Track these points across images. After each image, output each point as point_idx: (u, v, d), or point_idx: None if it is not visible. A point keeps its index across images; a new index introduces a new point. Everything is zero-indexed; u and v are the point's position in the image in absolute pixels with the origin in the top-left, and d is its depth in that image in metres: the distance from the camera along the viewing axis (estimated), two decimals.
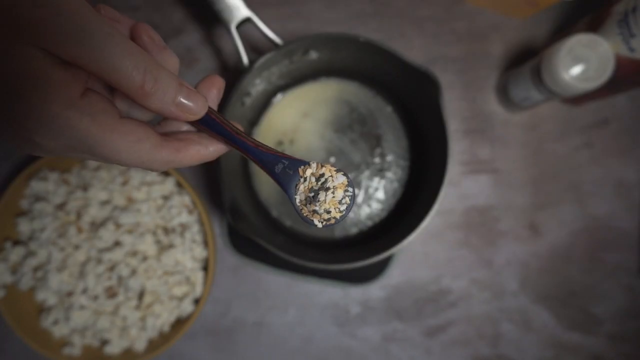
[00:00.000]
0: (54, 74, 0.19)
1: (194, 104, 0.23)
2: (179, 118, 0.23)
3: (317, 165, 0.24)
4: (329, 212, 0.24)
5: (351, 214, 0.51)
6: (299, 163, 0.24)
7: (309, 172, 0.24)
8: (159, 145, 0.23)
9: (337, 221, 0.24)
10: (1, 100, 0.19)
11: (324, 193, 0.24)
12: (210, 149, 0.26)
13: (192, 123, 0.25)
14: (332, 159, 0.51)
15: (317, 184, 0.24)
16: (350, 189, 0.24)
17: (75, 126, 0.20)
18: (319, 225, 0.24)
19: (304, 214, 0.24)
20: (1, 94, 0.19)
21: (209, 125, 0.25)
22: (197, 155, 0.25)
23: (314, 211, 0.24)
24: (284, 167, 0.24)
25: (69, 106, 0.20)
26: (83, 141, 0.21)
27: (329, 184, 0.24)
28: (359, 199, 0.51)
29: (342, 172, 0.24)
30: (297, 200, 0.24)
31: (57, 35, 0.18)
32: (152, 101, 0.21)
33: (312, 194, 0.24)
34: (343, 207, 0.24)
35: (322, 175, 0.24)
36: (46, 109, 0.19)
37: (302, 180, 0.24)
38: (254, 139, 0.25)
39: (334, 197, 0.24)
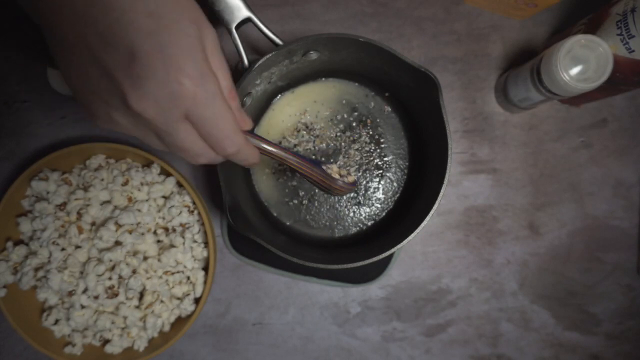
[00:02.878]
0: (203, 48, 0.27)
1: (248, 119, 0.34)
2: (242, 124, 0.32)
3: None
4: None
5: (351, 214, 0.51)
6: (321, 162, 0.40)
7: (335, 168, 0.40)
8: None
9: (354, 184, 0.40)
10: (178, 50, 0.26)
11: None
12: (257, 153, 0.35)
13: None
14: (324, 154, 0.51)
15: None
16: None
17: (210, 80, 0.27)
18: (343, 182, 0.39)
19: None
20: (173, 47, 0.25)
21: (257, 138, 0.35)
22: (255, 153, 0.34)
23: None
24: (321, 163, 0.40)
25: (210, 67, 0.27)
26: (207, 94, 0.27)
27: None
28: (360, 198, 0.51)
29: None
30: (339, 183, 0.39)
31: (207, 38, 0.28)
32: (234, 102, 0.31)
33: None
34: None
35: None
36: (197, 60, 0.26)
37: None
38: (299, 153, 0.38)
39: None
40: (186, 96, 0.26)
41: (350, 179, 0.40)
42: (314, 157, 0.50)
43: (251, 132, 0.33)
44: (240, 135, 0.30)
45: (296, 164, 0.37)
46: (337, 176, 0.38)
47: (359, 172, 0.51)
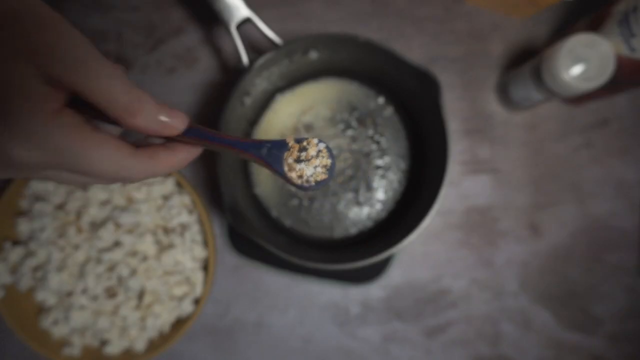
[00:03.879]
0: (40, 88, 0.21)
1: (176, 119, 0.25)
2: (162, 133, 0.25)
3: (292, 148, 0.28)
4: (313, 175, 0.28)
5: (351, 214, 0.51)
6: (280, 141, 0.27)
7: (291, 142, 0.27)
8: (134, 153, 0.24)
9: (324, 182, 0.27)
10: None
11: (307, 159, 0.27)
12: (180, 155, 0.27)
13: (171, 137, 0.27)
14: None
15: (300, 154, 0.27)
16: (329, 153, 0.27)
17: (53, 136, 0.21)
18: (306, 184, 0.27)
19: (294, 181, 0.27)
20: None
21: (190, 133, 0.26)
22: (170, 161, 0.26)
23: (300, 176, 0.27)
24: (268, 149, 0.27)
25: (49, 117, 0.21)
26: (59, 152, 0.22)
27: (311, 152, 0.27)
28: (360, 198, 0.51)
29: (321, 140, 0.27)
30: (286, 169, 0.27)
31: (54, 58, 0.21)
32: (138, 120, 0.23)
33: (297, 161, 0.27)
34: (325, 170, 0.28)
35: (304, 145, 0.27)
36: (25, 118, 0.20)
37: (288, 152, 0.27)
38: (233, 135, 0.28)
39: (317, 161, 0.27)
40: (27, 164, 0.21)
41: (317, 176, 0.29)
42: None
43: (189, 130, 0.26)
44: (136, 165, 0.24)
45: (245, 157, 0.28)
46: (293, 174, 0.28)
47: (359, 172, 0.51)
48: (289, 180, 0.27)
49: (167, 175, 0.51)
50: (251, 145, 0.27)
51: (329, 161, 0.28)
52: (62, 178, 0.24)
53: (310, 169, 0.27)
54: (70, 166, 0.22)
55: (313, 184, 0.28)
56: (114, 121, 0.23)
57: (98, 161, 0.23)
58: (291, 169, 0.27)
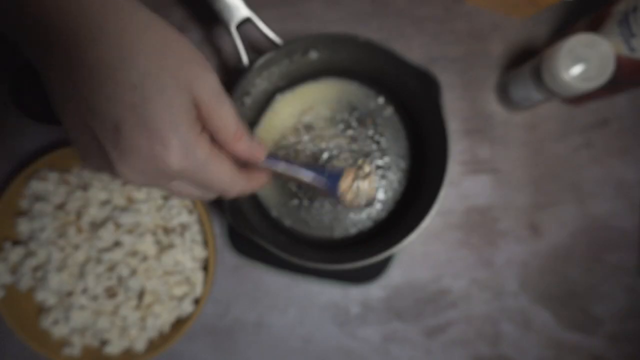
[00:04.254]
0: (193, 111, 0.27)
1: (260, 148, 0.33)
2: (250, 158, 0.32)
3: (351, 169, 0.38)
4: (363, 195, 0.36)
5: (351, 214, 0.51)
6: (338, 170, 0.38)
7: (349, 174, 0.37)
8: (239, 172, 0.31)
9: (373, 200, 0.38)
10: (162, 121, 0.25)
11: (362, 182, 0.36)
12: (265, 176, 0.35)
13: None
14: (326, 154, 0.51)
15: (358, 172, 0.37)
16: (374, 177, 0.38)
17: (197, 149, 0.27)
18: (363, 204, 0.37)
19: (346, 204, 0.36)
20: (157, 122, 0.25)
21: (268, 160, 0.34)
22: (259, 180, 0.34)
23: (355, 196, 0.36)
24: (326, 177, 0.36)
25: (198, 134, 0.27)
26: (197, 163, 0.27)
27: (366, 169, 0.37)
28: None
29: (368, 164, 0.37)
30: (341, 196, 0.36)
31: (206, 89, 0.27)
32: (239, 145, 0.30)
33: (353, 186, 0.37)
34: (374, 189, 0.38)
35: (359, 164, 0.37)
36: (183, 133, 0.26)
37: (344, 176, 0.37)
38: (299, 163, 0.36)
39: (369, 183, 0.36)
40: (173, 170, 0.26)
41: (360, 199, 0.38)
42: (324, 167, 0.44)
43: (266, 158, 0.34)
44: (239, 181, 0.31)
45: (308, 181, 0.37)
46: (349, 196, 0.37)
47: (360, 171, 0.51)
48: (343, 203, 0.36)
49: None
50: (314, 173, 0.35)
51: (375, 180, 0.37)
52: (181, 189, 0.30)
53: (365, 184, 0.36)
54: (199, 176, 0.28)
55: (363, 202, 0.36)
56: (220, 143, 0.30)
57: (221, 174, 0.29)
58: (347, 191, 0.36)
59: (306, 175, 0.35)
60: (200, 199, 0.32)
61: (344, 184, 0.35)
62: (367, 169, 0.35)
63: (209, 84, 0.27)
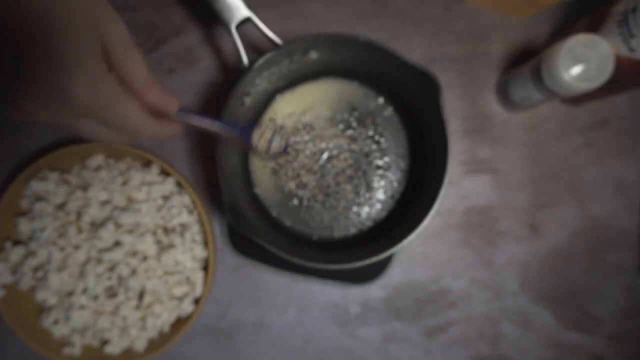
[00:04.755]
0: (99, 50, 0.27)
1: (173, 100, 0.34)
2: (163, 109, 0.33)
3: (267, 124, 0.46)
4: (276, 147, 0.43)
5: (351, 214, 0.51)
6: (247, 125, 0.41)
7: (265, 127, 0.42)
8: (148, 115, 0.31)
9: (281, 152, 0.43)
10: (64, 54, 0.25)
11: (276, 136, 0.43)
12: (175, 126, 0.35)
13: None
14: (326, 154, 0.51)
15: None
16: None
17: (104, 85, 0.26)
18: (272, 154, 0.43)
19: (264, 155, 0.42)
20: (66, 50, 0.25)
21: (181, 113, 0.35)
22: (169, 127, 0.34)
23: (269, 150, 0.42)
24: (240, 129, 0.40)
25: (104, 71, 0.27)
26: (104, 99, 0.27)
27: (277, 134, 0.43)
28: (360, 198, 0.51)
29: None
30: (258, 146, 0.41)
31: (113, 33, 0.27)
32: (151, 94, 0.31)
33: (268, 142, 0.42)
34: (283, 146, 0.43)
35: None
36: (88, 67, 0.26)
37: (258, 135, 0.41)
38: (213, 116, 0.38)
39: (280, 139, 0.43)
40: (78, 104, 0.25)
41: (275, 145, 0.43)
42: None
43: (179, 110, 0.35)
44: (150, 124, 0.31)
45: (220, 132, 0.39)
46: (262, 143, 0.41)
47: (360, 172, 0.51)
48: (258, 154, 0.42)
49: (167, 175, 0.51)
50: (226, 125, 0.38)
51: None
52: (90, 129, 0.29)
53: (278, 139, 0.42)
54: (107, 112, 0.28)
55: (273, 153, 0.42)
56: (132, 91, 0.30)
57: (130, 112, 0.29)
58: (258, 142, 0.41)
59: (218, 128, 0.38)
60: (111, 142, 0.32)
61: (257, 135, 0.40)
62: (279, 126, 0.43)
63: (118, 31, 0.28)
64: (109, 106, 0.27)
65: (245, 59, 0.45)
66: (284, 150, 0.43)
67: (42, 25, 0.24)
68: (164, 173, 0.52)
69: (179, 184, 0.51)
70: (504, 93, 0.52)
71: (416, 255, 0.54)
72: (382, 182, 0.51)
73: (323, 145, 0.51)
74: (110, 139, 0.31)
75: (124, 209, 0.49)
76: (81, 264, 0.48)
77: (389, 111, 0.52)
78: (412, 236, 0.42)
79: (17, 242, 0.50)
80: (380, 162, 0.51)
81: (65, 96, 0.25)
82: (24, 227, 0.49)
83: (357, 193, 0.51)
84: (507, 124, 0.54)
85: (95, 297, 0.48)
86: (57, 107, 0.25)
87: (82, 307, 0.48)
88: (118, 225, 0.49)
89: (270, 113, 0.51)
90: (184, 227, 0.50)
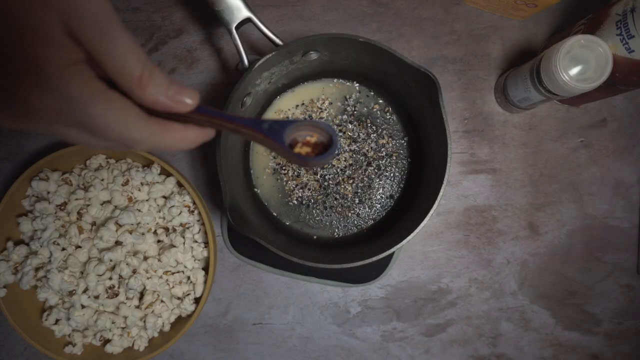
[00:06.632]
0: (58, 37, 0.20)
1: (187, 95, 0.24)
2: (171, 109, 0.24)
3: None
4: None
5: (351, 214, 0.51)
6: (282, 121, 0.27)
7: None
8: (144, 117, 0.23)
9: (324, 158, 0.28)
10: (7, 51, 0.20)
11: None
12: (192, 131, 0.26)
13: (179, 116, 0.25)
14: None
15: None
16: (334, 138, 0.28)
17: (65, 84, 0.20)
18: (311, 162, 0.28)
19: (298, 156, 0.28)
20: (8, 45, 0.20)
21: (200, 111, 0.25)
22: (181, 134, 0.25)
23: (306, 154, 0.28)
24: (269, 125, 0.26)
25: (64, 65, 0.21)
26: (68, 102, 0.21)
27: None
28: (360, 198, 0.52)
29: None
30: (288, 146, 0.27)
31: (75, 11, 0.20)
32: (147, 92, 0.22)
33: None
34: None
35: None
36: (42, 63, 0.20)
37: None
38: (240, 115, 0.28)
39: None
40: (35, 111, 0.21)
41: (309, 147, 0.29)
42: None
43: (197, 108, 0.26)
44: (147, 128, 0.23)
45: (249, 133, 0.28)
46: (298, 149, 0.28)
47: (360, 172, 0.51)
48: (290, 155, 0.27)
49: (168, 174, 0.51)
50: (255, 122, 0.26)
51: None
52: (71, 136, 0.23)
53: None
54: (78, 119, 0.22)
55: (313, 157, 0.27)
56: (123, 91, 0.23)
57: (104, 116, 0.22)
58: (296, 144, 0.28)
59: (242, 123, 0.27)
60: (105, 149, 0.25)
61: (294, 134, 0.28)
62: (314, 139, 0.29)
63: (87, 14, 0.21)
64: (75, 110, 0.21)
65: (245, 60, 0.45)
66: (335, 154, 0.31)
67: None
68: (165, 173, 0.52)
69: (179, 184, 0.51)
70: (503, 93, 0.52)
71: (416, 255, 0.55)
72: (382, 182, 0.52)
73: None
74: (101, 147, 0.25)
75: (124, 209, 0.49)
76: (82, 263, 0.48)
77: (389, 111, 0.52)
78: (412, 236, 0.42)
79: (18, 242, 0.50)
80: (380, 162, 0.52)
81: (22, 105, 0.20)
82: (26, 227, 0.49)
83: (356, 193, 0.52)
84: (506, 124, 0.54)
85: (96, 297, 0.48)
86: (17, 116, 0.21)
87: (83, 306, 0.48)
88: (119, 225, 0.49)
89: (270, 113, 0.52)
90: (184, 227, 0.50)
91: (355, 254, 0.45)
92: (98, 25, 0.21)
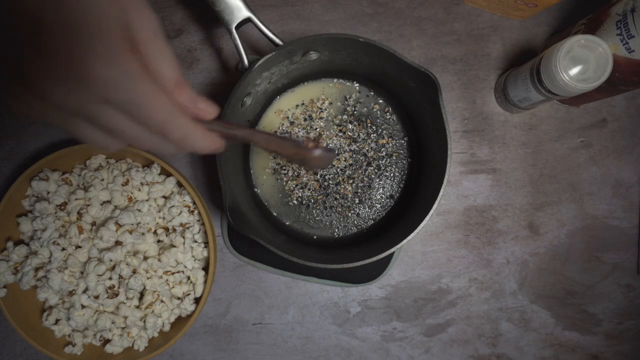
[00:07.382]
0: (121, 26, 0.24)
1: (210, 105, 0.29)
2: (197, 113, 0.28)
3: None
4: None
5: (351, 214, 0.51)
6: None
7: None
8: (180, 109, 0.27)
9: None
10: (86, 22, 0.22)
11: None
12: (217, 137, 0.30)
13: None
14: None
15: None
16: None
17: (131, 65, 0.23)
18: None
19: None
20: (82, 23, 0.22)
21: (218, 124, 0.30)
22: (205, 131, 0.28)
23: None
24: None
25: (127, 49, 0.24)
26: (131, 80, 0.23)
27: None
28: (360, 198, 0.52)
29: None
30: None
31: (144, 19, 0.25)
32: (183, 95, 0.27)
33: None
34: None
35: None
36: (110, 43, 0.23)
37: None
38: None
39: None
40: (95, 79, 0.22)
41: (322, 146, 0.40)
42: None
43: (216, 119, 0.30)
44: (184, 118, 0.26)
45: (264, 142, 0.36)
46: (310, 144, 0.38)
47: (359, 172, 0.51)
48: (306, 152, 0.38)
49: (168, 174, 0.51)
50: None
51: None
52: (113, 120, 0.25)
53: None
54: (129, 95, 0.24)
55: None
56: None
57: (154, 100, 0.24)
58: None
59: (263, 137, 0.35)
60: (135, 142, 0.27)
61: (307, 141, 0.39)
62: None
63: (148, 20, 0.25)
64: (131, 88, 0.23)
65: (245, 60, 0.45)
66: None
67: None
68: (165, 173, 0.52)
69: (179, 184, 0.51)
70: (503, 93, 0.52)
71: (416, 255, 0.55)
72: (382, 182, 0.52)
73: (323, 144, 0.51)
74: (134, 137, 0.26)
75: (124, 209, 0.49)
76: (82, 263, 0.48)
77: (389, 111, 0.52)
78: (412, 236, 0.42)
79: (18, 242, 0.50)
80: (380, 162, 0.52)
81: (81, 70, 0.22)
82: (26, 227, 0.49)
83: (356, 193, 0.52)
84: (507, 124, 0.54)
85: (96, 297, 0.48)
86: (73, 84, 0.22)
87: (83, 306, 0.48)
88: (119, 225, 0.49)
89: (270, 113, 0.52)
90: (184, 227, 0.50)
91: (355, 254, 0.45)
92: (154, 33, 0.25)
